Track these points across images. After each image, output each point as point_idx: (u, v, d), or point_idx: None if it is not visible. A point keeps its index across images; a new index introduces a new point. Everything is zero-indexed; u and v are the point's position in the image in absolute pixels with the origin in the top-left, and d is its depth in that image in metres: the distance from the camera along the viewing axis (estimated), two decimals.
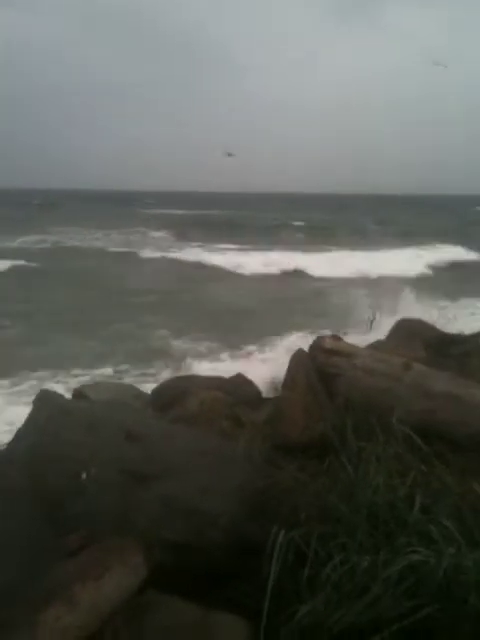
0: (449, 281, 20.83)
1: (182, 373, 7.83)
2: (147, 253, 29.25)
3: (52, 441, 2.90)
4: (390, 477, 2.51)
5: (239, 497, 2.45)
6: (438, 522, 2.23)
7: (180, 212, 63.33)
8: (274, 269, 24.37)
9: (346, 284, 20.02)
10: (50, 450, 2.81)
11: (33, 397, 3.27)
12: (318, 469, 2.78)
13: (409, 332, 5.46)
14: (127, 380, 9.62)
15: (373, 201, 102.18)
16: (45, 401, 3.42)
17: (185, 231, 40.24)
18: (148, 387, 6.29)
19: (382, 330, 6.62)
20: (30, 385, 9.57)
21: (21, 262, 23.79)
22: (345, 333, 5.80)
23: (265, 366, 7.71)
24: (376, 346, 5.04)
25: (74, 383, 8.86)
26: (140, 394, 5.75)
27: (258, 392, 5.27)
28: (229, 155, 40.16)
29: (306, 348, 3.82)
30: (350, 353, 3.60)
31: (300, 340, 11.73)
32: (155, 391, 5.57)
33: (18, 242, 32.20)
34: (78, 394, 5.26)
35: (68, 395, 4.84)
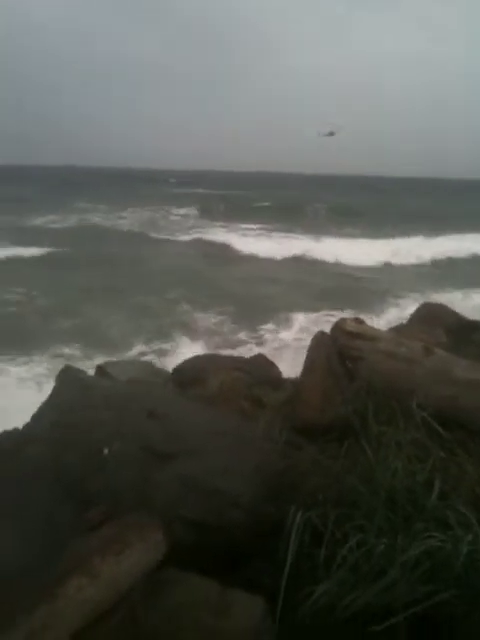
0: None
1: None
2: (165, 234, 28.98)
3: (74, 417, 2.93)
4: (409, 462, 2.51)
5: (258, 478, 2.46)
6: (456, 509, 2.23)
7: (202, 191, 62.96)
8: (290, 252, 23.98)
9: (362, 270, 19.96)
10: (72, 426, 2.85)
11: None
12: (337, 452, 2.78)
13: (431, 317, 5.40)
14: (150, 355, 9.73)
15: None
16: (67, 377, 3.46)
17: (209, 210, 40.05)
18: (169, 361, 6.31)
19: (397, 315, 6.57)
20: (53, 359, 9.75)
21: (46, 243, 23.68)
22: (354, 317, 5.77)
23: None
24: (398, 330, 4.99)
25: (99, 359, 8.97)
26: (160, 372, 5.77)
27: (278, 373, 5.26)
28: (330, 134, 38.50)
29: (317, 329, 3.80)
30: (372, 336, 3.56)
31: (314, 320, 11.98)
32: (176, 369, 5.59)
33: (41, 221, 32.05)
34: (100, 371, 5.30)
35: (91, 371, 4.88)
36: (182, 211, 40.32)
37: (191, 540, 2.26)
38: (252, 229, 31.68)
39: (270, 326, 12.25)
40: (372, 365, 3.42)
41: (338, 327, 3.69)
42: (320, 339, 3.68)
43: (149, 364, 7.15)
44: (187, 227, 32.55)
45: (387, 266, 21.35)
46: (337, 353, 3.59)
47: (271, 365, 5.41)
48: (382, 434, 2.73)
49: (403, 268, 21.29)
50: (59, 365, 4.05)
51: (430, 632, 2.02)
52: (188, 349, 9.75)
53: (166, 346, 10.82)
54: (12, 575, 1.95)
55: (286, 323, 12.45)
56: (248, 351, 9.82)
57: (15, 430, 3.02)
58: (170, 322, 12.40)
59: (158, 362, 8.61)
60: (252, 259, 22.76)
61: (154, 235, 28.20)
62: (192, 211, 40.49)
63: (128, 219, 34.97)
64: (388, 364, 3.36)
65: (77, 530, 2.20)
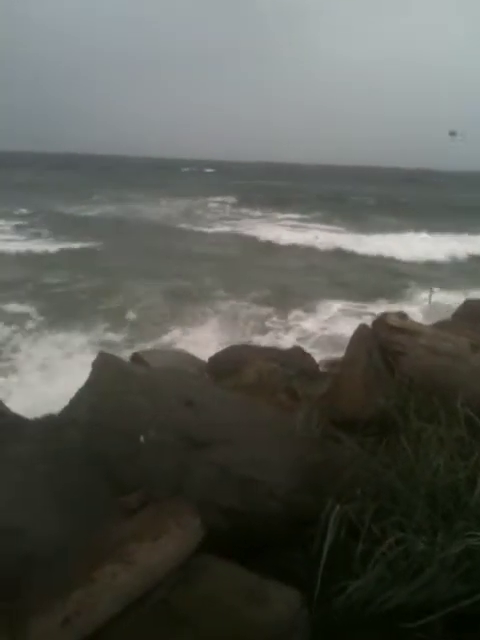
0: None
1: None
2: (202, 224, 28.96)
3: (112, 403, 2.95)
4: (451, 459, 2.46)
5: (296, 469, 2.45)
6: None
7: (241, 182, 62.87)
8: (333, 244, 23.77)
9: (408, 265, 19.70)
10: (110, 411, 2.87)
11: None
12: (376, 447, 2.74)
13: (476, 313, 5.28)
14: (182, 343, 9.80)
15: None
16: (104, 363, 3.48)
17: (247, 201, 39.96)
18: (202, 350, 6.33)
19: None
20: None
21: (86, 234, 23.82)
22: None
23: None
24: (441, 325, 4.90)
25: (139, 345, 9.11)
26: (195, 360, 5.78)
27: (315, 365, 5.23)
28: (451, 134, 38.01)
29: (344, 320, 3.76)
30: (415, 331, 3.50)
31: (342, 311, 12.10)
32: (212, 359, 5.59)
33: (75, 209, 32.08)
34: (136, 359, 5.32)
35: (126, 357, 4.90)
36: (218, 199, 40.39)
37: (226, 528, 2.26)
38: (292, 219, 31.54)
39: (304, 314, 12.31)
40: (414, 360, 3.36)
41: (380, 321, 3.64)
42: (361, 332, 3.63)
43: (184, 353, 7.16)
44: (224, 217, 32.57)
45: (431, 262, 20.93)
46: (379, 347, 3.54)
47: (307, 357, 5.38)
48: (423, 430, 2.68)
49: (447, 264, 20.87)
50: (97, 349, 4.09)
51: (467, 631, 1.98)
52: (223, 336, 9.92)
53: (200, 333, 10.88)
54: (49, 558, 1.96)
55: (324, 311, 12.56)
56: (279, 340, 9.89)
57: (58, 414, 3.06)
58: (204, 310, 12.52)
59: (192, 350, 8.68)
60: (293, 248, 22.69)
61: (189, 226, 28.15)
62: (230, 199, 40.51)
63: (166, 208, 35.10)
64: (430, 360, 3.31)
65: (114, 514, 2.21)
